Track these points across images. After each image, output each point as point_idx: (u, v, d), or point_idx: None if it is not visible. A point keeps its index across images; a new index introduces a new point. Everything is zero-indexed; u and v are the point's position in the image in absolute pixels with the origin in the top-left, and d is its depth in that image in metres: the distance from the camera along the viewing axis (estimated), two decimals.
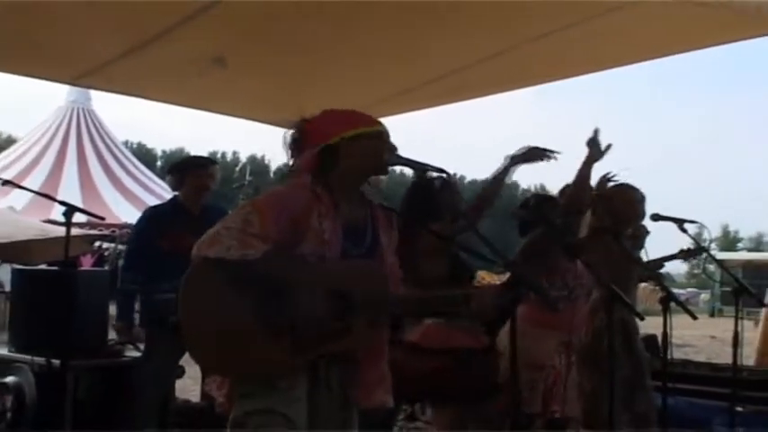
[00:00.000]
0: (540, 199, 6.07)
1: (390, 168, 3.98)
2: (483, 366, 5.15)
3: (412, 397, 5.21)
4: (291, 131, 3.98)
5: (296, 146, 3.97)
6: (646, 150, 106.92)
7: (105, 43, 7.54)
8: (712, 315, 32.22)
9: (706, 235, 6.19)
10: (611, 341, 5.30)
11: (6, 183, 6.41)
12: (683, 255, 6.72)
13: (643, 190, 6.34)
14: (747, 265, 32.97)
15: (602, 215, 6.22)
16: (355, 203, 3.95)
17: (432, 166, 3.90)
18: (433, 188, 5.10)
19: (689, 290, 43.79)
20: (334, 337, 3.68)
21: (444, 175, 4.05)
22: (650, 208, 6.26)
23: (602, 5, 7.19)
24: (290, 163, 3.99)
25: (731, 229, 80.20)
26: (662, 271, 7.22)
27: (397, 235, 4.13)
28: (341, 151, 3.82)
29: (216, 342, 3.64)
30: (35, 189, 19.96)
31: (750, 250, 62.63)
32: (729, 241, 74.21)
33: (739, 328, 6.10)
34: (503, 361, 5.15)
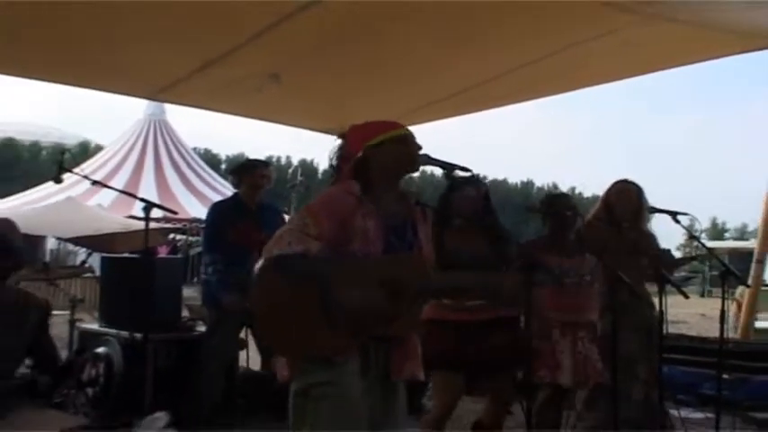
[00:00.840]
0: (552, 196, 6.00)
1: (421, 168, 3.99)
2: (512, 336, 5.15)
3: (434, 366, 5.12)
4: (336, 148, 3.98)
5: (340, 159, 3.99)
6: (639, 156, 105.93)
7: (178, 64, 7.65)
8: (703, 296, 31.90)
9: (697, 226, 6.01)
10: (614, 321, 5.31)
11: (95, 183, 6.47)
12: (691, 259, 6.86)
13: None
14: (733, 252, 32.50)
15: (600, 208, 6.19)
16: (395, 202, 3.91)
17: (458, 166, 3.86)
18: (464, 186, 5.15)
19: (683, 274, 43.20)
20: (387, 322, 3.71)
21: (469, 173, 4.01)
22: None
23: (599, 29, 7.22)
24: (335, 172, 4.01)
25: (719, 221, 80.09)
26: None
27: (430, 227, 4.11)
28: (370, 159, 3.83)
29: (284, 328, 3.68)
30: (114, 197, 20.28)
31: (735, 239, 62.22)
32: (718, 232, 73.79)
33: (726, 307, 6.02)
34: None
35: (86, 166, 24.47)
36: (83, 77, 8.26)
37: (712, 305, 15.24)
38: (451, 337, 5.06)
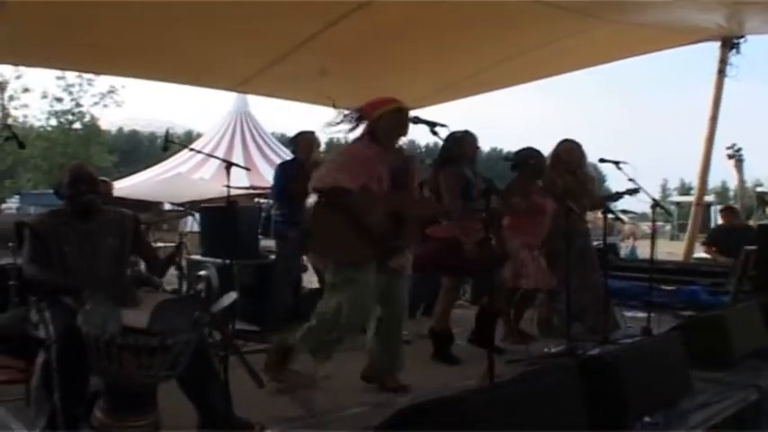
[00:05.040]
0: (522, 149, 6.14)
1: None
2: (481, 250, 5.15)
3: (429, 269, 5.47)
4: (353, 113, 4.42)
5: (357, 121, 4.41)
6: (606, 133, 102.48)
7: (250, 63, 7.96)
8: (672, 239, 31.57)
9: (631, 173, 6.07)
10: (568, 240, 5.61)
11: (192, 150, 6.80)
12: (627, 192, 6.43)
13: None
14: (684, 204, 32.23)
15: (553, 160, 6.36)
16: (396, 154, 4.41)
17: (439, 123, 4.15)
18: (454, 140, 5.28)
19: (658, 223, 42.40)
20: (394, 238, 4.26)
21: (444, 126, 4.22)
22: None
23: (582, 25, 7.43)
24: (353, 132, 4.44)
25: (686, 181, 78.93)
26: (636, 212, 7.10)
27: (416, 171, 4.61)
28: (377, 124, 4.31)
29: (327, 240, 4.28)
30: (213, 171, 20.61)
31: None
32: (685, 189, 72.36)
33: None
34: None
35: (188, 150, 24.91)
36: (180, 76, 8.65)
37: (678, 246, 15.15)
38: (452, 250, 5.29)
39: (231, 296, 3.50)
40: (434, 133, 4.10)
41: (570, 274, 5.45)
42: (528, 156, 5.98)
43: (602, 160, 6.27)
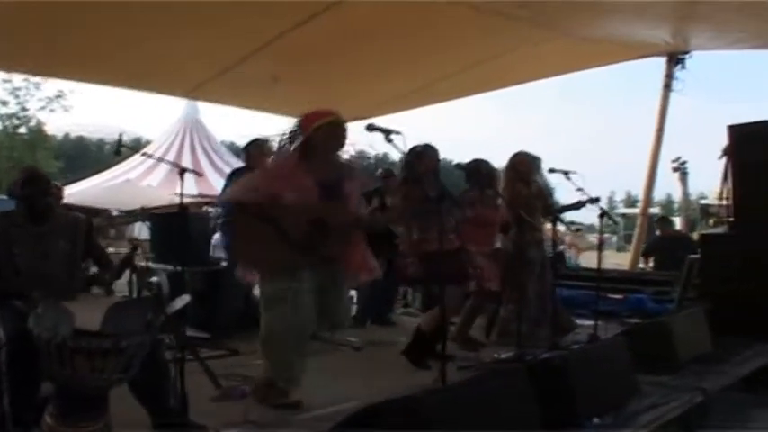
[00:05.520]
0: (474, 160, 6.21)
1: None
2: (453, 262, 5.26)
3: (414, 281, 5.54)
4: (292, 127, 4.42)
5: (295, 134, 4.41)
6: (558, 144, 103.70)
7: (202, 69, 7.92)
8: (618, 251, 32.15)
9: (580, 183, 6.18)
10: (521, 250, 5.74)
11: (144, 154, 6.73)
12: (579, 205, 6.57)
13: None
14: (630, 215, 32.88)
15: (511, 172, 6.49)
16: (330, 166, 4.37)
17: (394, 131, 4.08)
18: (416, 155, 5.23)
19: (605, 235, 43.00)
20: (319, 247, 4.21)
21: (399, 134, 4.10)
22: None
23: (535, 38, 7.60)
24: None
25: (633, 194, 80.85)
26: (584, 223, 7.20)
27: (359, 182, 4.61)
28: (313, 136, 4.30)
29: (254, 251, 4.27)
30: (161, 178, 20.40)
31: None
32: (631, 201, 74.00)
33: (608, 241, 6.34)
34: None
35: (138, 156, 24.60)
36: (132, 81, 8.50)
37: (624, 258, 15.39)
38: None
39: (184, 299, 3.49)
40: (389, 141, 4.10)
41: (526, 281, 5.57)
42: (479, 166, 6.08)
43: (551, 170, 6.40)
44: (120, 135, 5.98)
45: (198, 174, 6.78)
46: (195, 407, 3.62)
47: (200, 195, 18.08)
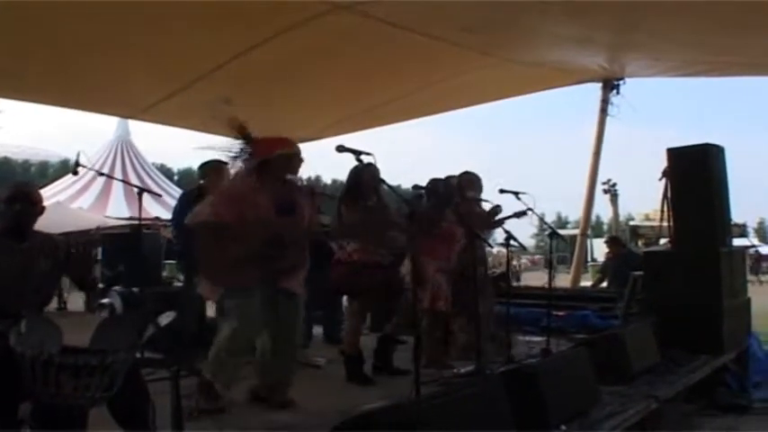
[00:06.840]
0: (432, 180, 6.38)
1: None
2: (385, 276, 5.54)
3: (339, 291, 5.91)
4: (242, 148, 4.72)
5: (248, 155, 4.71)
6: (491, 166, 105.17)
7: (152, 91, 7.89)
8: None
9: (531, 203, 6.44)
10: (475, 266, 5.93)
11: (102, 174, 6.69)
12: (516, 215, 6.70)
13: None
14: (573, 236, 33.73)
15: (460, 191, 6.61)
16: (282, 186, 4.72)
17: (363, 151, 4.21)
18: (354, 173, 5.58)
19: (537, 256, 43.52)
20: (277, 260, 4.52)
21: (369, 155, 4.30)
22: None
23: (474, 63, 7.83)
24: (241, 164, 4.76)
25: (563, 215, 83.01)
26: (520, 242, 7.35)
27: (313, 200, 5.04)
28: (272, 161, 4.64)
29: (212, 270, 4.55)
30: (92, 201, 20.07)
31: (574, 228, 63.87)
32: (561, 223, 75.82)
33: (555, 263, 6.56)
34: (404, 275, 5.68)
35: (67, 179, 24.19)
36: (75, 101, 8.42)
37: (560, 278, 15.68)
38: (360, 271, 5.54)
39: (170, 315, 3.55)
40: (359, 161, 4.25)
41: (478, 297, 5.73)
42: (435, 186, 6.27)
43: (501, 191, 6.65)
44: (78, 153, 5.99)
45: (158, 195, 6.76)
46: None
47: (132, 218, 17.97)
